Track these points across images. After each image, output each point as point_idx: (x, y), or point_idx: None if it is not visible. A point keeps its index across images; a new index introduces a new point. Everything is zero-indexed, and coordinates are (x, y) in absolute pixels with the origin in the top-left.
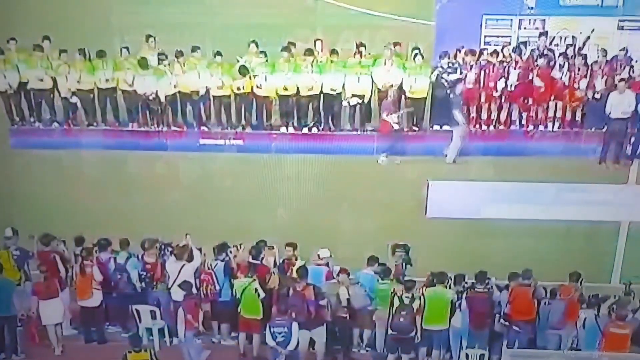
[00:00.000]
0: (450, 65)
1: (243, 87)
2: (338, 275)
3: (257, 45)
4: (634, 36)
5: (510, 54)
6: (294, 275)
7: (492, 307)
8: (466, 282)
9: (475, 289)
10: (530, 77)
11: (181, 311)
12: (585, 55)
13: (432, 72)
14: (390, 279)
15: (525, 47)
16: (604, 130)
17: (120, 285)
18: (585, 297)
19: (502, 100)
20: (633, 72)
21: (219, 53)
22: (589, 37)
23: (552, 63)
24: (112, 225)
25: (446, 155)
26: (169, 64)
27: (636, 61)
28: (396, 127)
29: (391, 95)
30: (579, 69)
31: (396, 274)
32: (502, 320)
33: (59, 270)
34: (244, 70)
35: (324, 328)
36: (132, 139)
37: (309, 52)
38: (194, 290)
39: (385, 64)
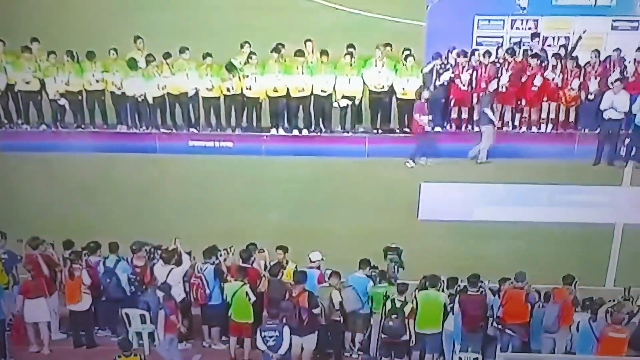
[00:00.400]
0: (442, 65)
1: (232, 88)
2: (329, 278)
3: (250, 46)
4: (627, 36)
5: (504, 55)
6: (285, 278)
7: (485, 310)
8: (459, 285)
9: (468, 292)
10: (522, 78)
11: (162, 313)
12: (577, 57)
13: (422, 70)
14: (388, 282)
15: (519, 48)
16: (597, 131)
17: (110, 289)
18: (580, 300)
19: (495, 101)
20: (626, 72)
21: (208, 54)
22: (580, 37)
23: (545, 63)
24: (101, 229)
25: (474, 157)
26: (157, 66)
27: (629, 62)
28: (428, 128)
29: (424, 97)
30: (571, 71)
31: (388, 277)
32: (495, 324)
33: (43, 270)
34: (231, 67)
35: (315, 336)
36: (121, 141)
37: (300, 53)
38: (174, 293)
39: (376, 65)
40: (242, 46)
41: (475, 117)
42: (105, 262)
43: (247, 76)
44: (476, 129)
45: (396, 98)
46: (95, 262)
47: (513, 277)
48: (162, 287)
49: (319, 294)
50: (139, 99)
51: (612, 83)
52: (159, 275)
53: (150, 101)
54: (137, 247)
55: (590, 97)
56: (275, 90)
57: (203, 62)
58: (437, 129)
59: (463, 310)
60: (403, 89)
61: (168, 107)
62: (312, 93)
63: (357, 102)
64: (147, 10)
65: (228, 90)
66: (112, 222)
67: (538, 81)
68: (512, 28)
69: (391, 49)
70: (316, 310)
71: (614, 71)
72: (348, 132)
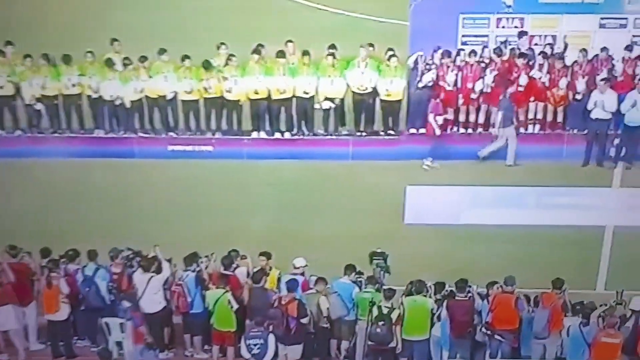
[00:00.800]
0: (425, 65)
1: (211, 88)
2: (315, 284)
3: (227, 48)
4: (615, 34)
5: (490, 55)
6: (268, 285)
7: (473, 316)
8: (446, 291)
9: (456, 297)
10: (509, 78)
11: (129, 324)
12: (564, 57)
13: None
14: (375, 288)
15: (505, 47)
16: (585, 132)
17: (89, 297)
18: (570, 305)
19: (481, 101)
20: (614, 71)
21: (187, 56)
22: (566, 36)
23: (531, 62)
24: (79, 236)
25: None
26: (134, 69)
27: (617, 60)
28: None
29: (440, 97)
30: (559, 71)
31: (375, 283)
32: (484, 329)
33: (9, 278)
34: (207, 65)
35: (301, 346)
36: (98, 146)
37: (281, 54)
38: (152, 302)
39: (359, 66)
40: (218, 47)
41: (492, 121)
42: (84, 271)
43: (227, 78)
44: (462, 130)
45: (380, 99)
46: (74, 270)
47: (502, 282)
48: (128, 298)
49: (306, 301)
50: (116, 103)
51: (600, 81)
52: (139, 283)
53: (128, 105)
54: (115, 254)
55: (578, 96)
56: (256, 93)
57: (181, 64)
58: (422, 130)
59: (451, 315)
60: (387, 90)
61: (146, 111)
62: (294, 95)
63: (339, 103)
64: (125, 12)
65: (206, 90)
66: (90, 229)
67: (523, 80)
68: (497, 27)
69: (374, 49)
70: (304, 320)
71: (601, 70)
72: (331, 135)
